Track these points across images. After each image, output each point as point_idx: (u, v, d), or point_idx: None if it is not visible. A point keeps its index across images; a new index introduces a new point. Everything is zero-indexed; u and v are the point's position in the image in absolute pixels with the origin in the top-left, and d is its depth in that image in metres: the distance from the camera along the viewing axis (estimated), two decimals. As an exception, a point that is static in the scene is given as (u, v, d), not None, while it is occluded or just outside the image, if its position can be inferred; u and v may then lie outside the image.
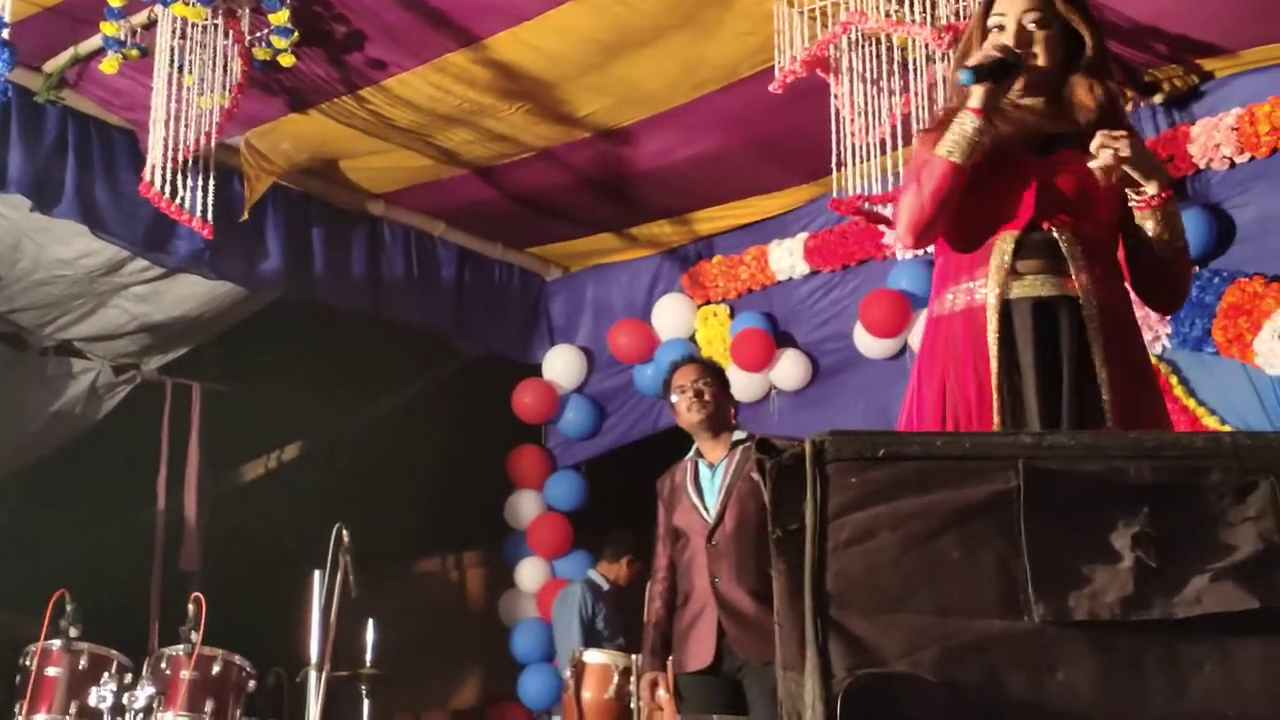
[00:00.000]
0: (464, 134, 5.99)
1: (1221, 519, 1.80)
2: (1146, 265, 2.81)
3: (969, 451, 1.90)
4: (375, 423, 8.41)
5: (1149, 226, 2.74)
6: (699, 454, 4.76)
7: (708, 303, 7.05)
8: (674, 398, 4.79)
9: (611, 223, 7.05)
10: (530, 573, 7.29)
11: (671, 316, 7.07)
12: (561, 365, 7.40)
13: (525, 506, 7.39)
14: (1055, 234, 2.72)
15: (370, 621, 5.45)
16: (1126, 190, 2.72)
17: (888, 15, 4.98)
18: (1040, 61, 2.78)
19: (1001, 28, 2.80)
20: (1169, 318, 5.48)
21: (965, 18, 4.87)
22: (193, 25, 4.83)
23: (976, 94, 2.71)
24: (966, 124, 2.70)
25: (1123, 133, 2.66)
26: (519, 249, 7.47)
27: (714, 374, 4.88)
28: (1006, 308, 2.70)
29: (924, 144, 2.84)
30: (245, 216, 5.91)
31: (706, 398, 4.73)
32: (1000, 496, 1.86)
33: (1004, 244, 2.72)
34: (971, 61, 2.74)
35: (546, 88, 5.66)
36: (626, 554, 6.59)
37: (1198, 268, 5.53)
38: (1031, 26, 2.77)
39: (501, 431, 7.47)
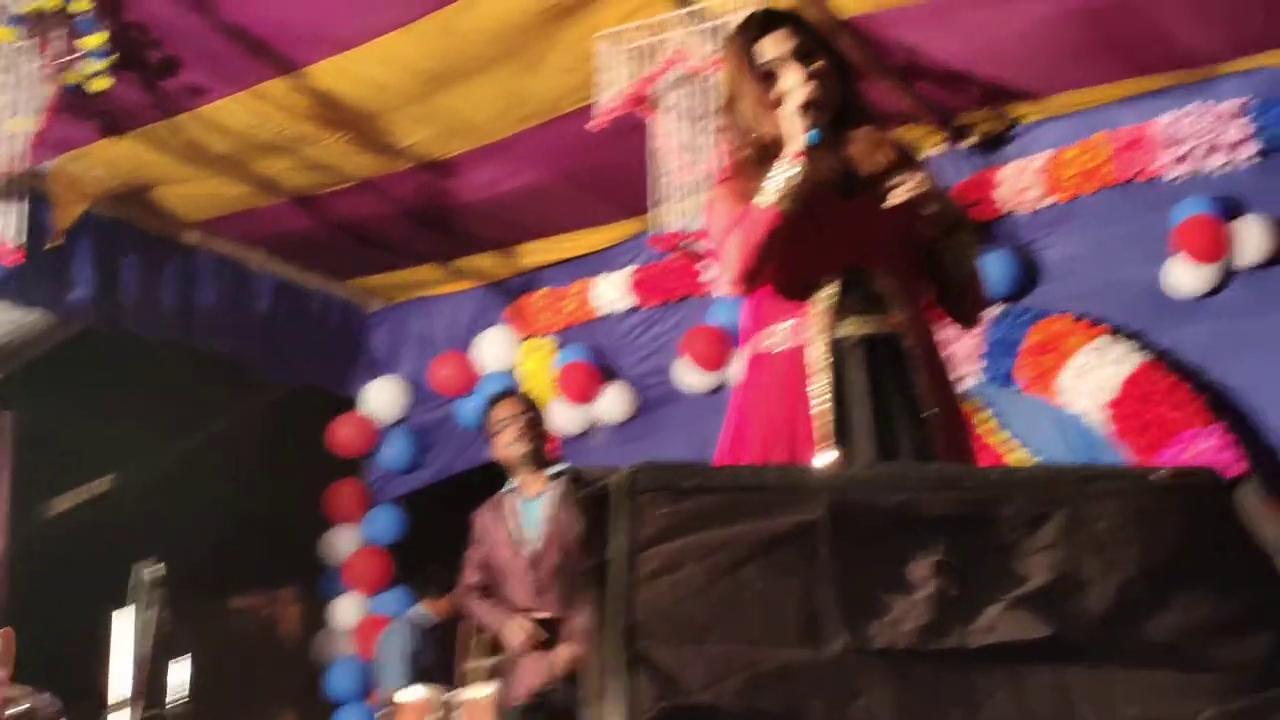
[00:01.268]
0: (284, 162, 5.89)
1: (1016, 549, 1.85)
2: (946, 290, 2.89)
3: (775, 483, 1.92)
4: (191, 455, 8.19)
5: (946, 257, 2.81)
6: (518, 488, 4.76)
7: (531, 336, 7.04)
8: (496, 431, 4.79)
9: (435, 254, 7.00)
10: (347, 609, 7.16)
11: (494, 350, 7.04)
12: (382, 398, 7.31)
13: (342, 541, 7.27)
14: (872, 274, 2.77)
15: (180, 659, 5.29)
16: (922, 225, 2.78)
17: (708, 55, 5.06)
18: (830, 98, 2.82)
19: (777, 72, 2.81)
20: (977, 355, 5.64)
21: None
22: (2, 46, 4.67)
23: (797, 141, 2.73)
24: (790, 171, 2.72)
25: (917, 169, 2.73)
26: (340, 280, 7.37)
27: (534, 408, 4.90)
28: (834, 347, 2.75)
29: (727, 192, 2.86)
30: (56, 243, 5.74)
31: (530, 431, 4.73)
32: (805, 527, 1.89)
33: (827, 285, 2.77)
34: (798, 108, 2.75)
35: (369, 117, 5.60)
36: (449, 592, 6.52)
37: (1006, 305, 5.72)
38: (815, 66, 2.81)
39: (320, 465, 7.34)
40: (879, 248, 2.80)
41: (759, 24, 2.90)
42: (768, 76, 2.83)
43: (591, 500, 1.94)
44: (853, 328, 2.74)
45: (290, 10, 4.84)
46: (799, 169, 2.71)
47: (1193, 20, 5.08)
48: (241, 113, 5.44)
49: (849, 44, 5.05)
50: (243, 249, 6.83)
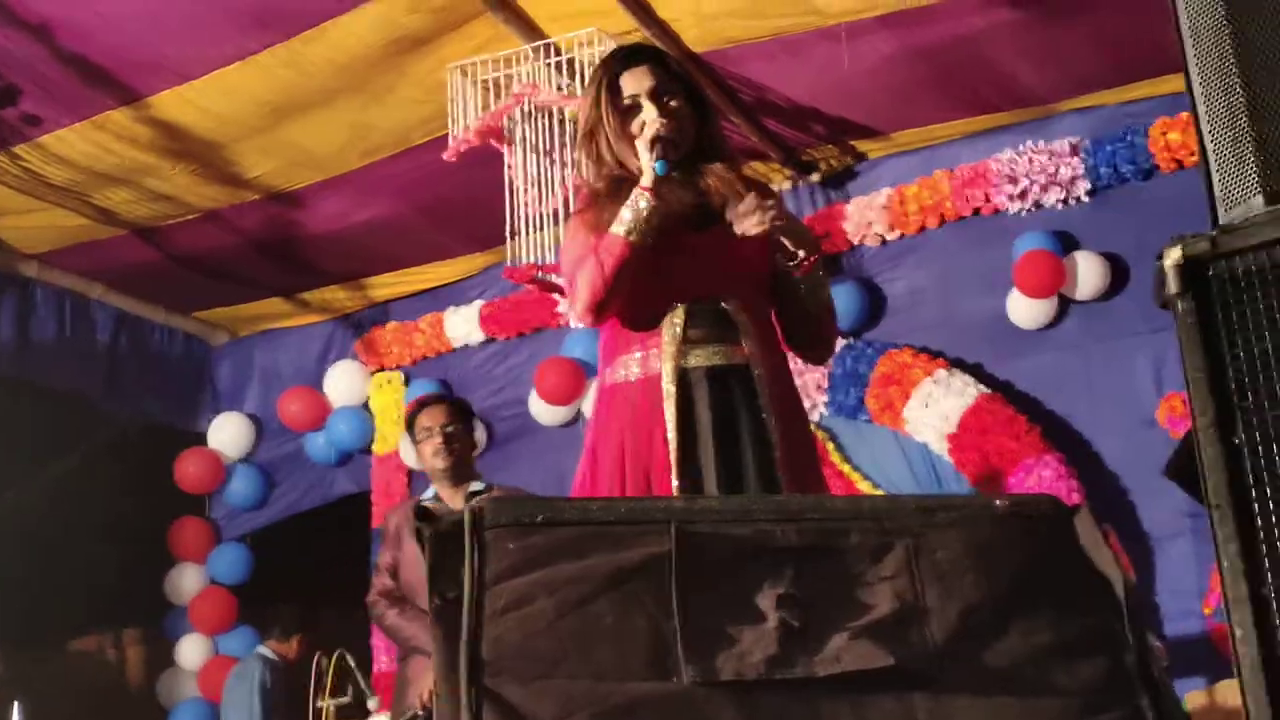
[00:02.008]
0: (125, 193, 5.76)
1: (860, 579, 1.87)
2: (798, 323, 2.93)
3: (624, 516, 1.92)
4: (30, 493, 7.93)
5: (800, 289, 2.85)
6: (437, 498, 4.64)
7: (381, 369, 6.97)
8: (419, 440, 4.66)
9: (282, 287, 6.90)
10: (191, 650, 6.99)
11: (344, 383, 6.95)
12: (228, 433, 7.16)
13: (187, 581, 7.09)
14: (723, 305, 2.80)
15: (15, 704, 5.11)
16: (778, 256, 2.82)
17: (559, 89, 5.08)
18: (684, 134, 2.87)
19: (639, 106, 2.86)
20: (826, 387, 5.73)
21: (636, 94, 5.01)
22: None
23: (648, 174, 2.77)
24: (640, 204, 2.75)
25: (772, 201, 2.77)
26: (183, 313, 7.21)
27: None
28: (683, 376, 2.77)
29: (581, 224, 2.88)
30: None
31: (455, 444, 4.62)
32: (654, 560, 1.89)
33: (676, 316, 2.79)
34: (646, 142, 2.78)
35: (213, 148, 5.51)
36: (297, 632, 6.40)
37: (853, 339, 5.82)
38: (672, 103, 2.86)
39: (164, 502, 7.16)
40: (730, 279, 2.83)
41: (622, 59, 2.94)
42: (628, 111, 2.87)
43: (439, 536, 1.92)
44: (702, 358, 2.77)
45: (132, 40, 4.75)
46: (649, 202, 2.74)
47: (1028, 62, 5.24)
48: (81, 143, 5.31)
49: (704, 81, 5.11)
50: (83, 281, 6.65)
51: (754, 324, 2.80)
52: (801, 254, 2.81)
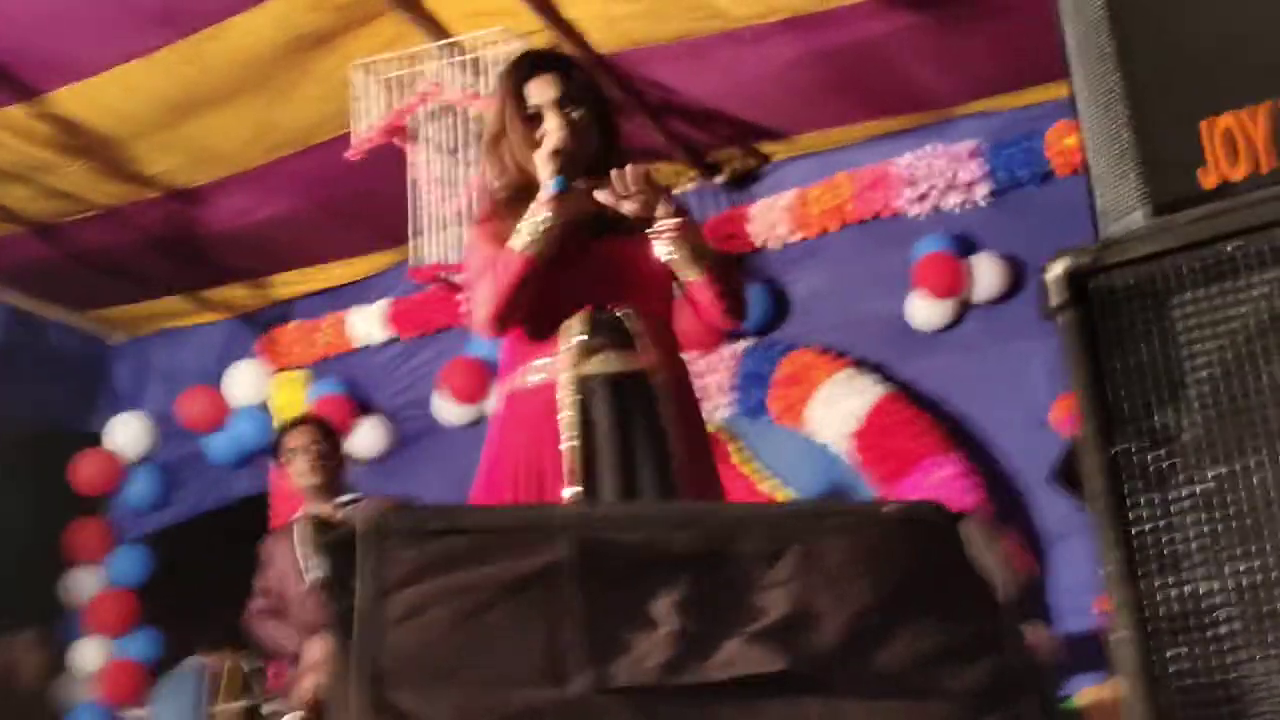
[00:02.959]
0: (20, 190, 5.65)
1: (755, 585, 1.90)
2: (699, 289, 2.91)
3: (521, 523, 1.94)
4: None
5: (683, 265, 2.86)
6: (308, 516, 4.69)
7: (284, 369, 6.90)
8: (286, 461, 4.70)
9: (182, 285, 6.80)
10: (89, 653, 6.88)
11: (245, 383, 6.86)
12: (126, 434, 7.04)
13: (84, 583, 6.98)
14: (621, 313, 2.82)
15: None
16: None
17: (464, 88, 5.08)
18: (586, 145, 2.88)
19: (542, 116, 2.87)
20: (730, 388, 5.77)
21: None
22: None
23: (545, 189, 2.78)
24: (538, 218, 2.77)
25: (674, 225, 2.78)
26: (80, 310, 7.08)
27: (330, 436, 4.81)
28: (581, 384, 2.78)
29: (483, 234, 2.89)
30: None
31: (323, 462, 4.66)
32: (551, 567, 1.90)
33: (574, 323, 2.81)
34: (546, 156, 2.80)
35: (113, 145, 5.43)
36: (227, 642, 6.32)
37: (757, 340, 5.86)
38: (576, 115, 2.87)
39: (59, 504, 7.03)
40: (629, 286, 2.86)
41: (529, 65, 2.95)
42: (532, 119, 2.88)
43: (336, 544, 1.92)
44: (600, 365, 2.79)
45: (29, 36, 4.67)
46: (548, 215, 2.75)
47: (928, 65, 5.31)
48: (-22, 139, 5.22)
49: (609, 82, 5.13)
50: (-23, 280, 6.53)
51: (653, 331, 2.83)
52: (693, 275, 2.83)
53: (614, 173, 2.75)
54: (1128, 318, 1.69)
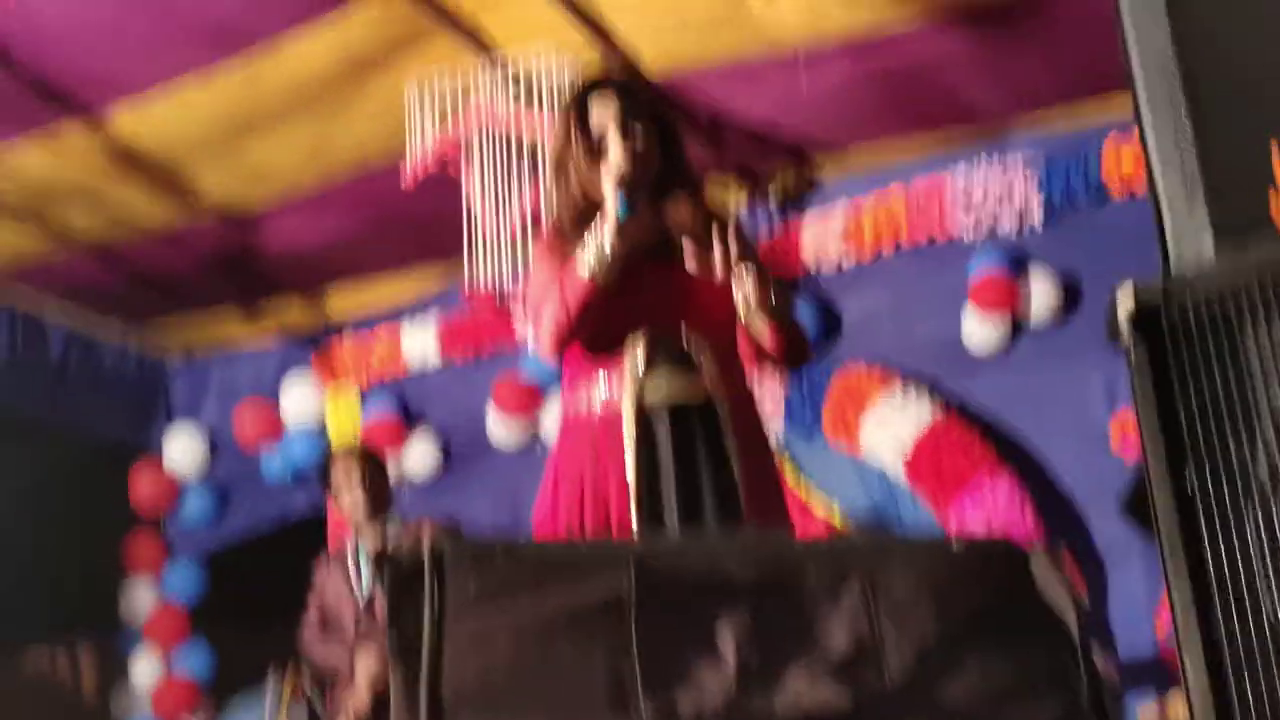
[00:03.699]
0: (77, 210, 5.72)
1: (818, 617, 1.89)
2: (765, 336, 2.93)
3: (583, 554, 1.94)
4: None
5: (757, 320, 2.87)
6: (357, 542, 4.74)
7: (338, 386, 6.93)
8: (334, 491, 4.74)
9: (238, 303, 6.86)
10: (145, 667, 6.94)
11: (300, 400, 6.90)
12: (183, 451, 7.10)
13: (141, 597, 7.04)
14: (684, 337, 2.82)
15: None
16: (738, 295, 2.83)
17: (515, 107, 5.09)
18: (649, 167, 2.88)
19: (605, 137, 2.88)
20: (782, 407, 5.75)
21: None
22: None
23: (611, 215, 2.78)
24: (604, 243, 2.78)
25: (753, 276, 2.76)
26: (138, 330, 7.15)
27: (377, 465, 4.84)
28: (643, 410, 2.78)
29: (547, 255, 2.90)
30: None
31: (372, 491, 4.70)
32: (613, 597, 1.90)
33: (637, 348, 2.81)
34: (612, 183, 2.81)
35: (168, 165, 5.48)
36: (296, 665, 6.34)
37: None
38: (638, 137, 2.87)
39: (118, 518, 7.10)
40: (692, 311, 2.85)
41: (592, 89, 2.97)
42: (596, 143, 2.89)
43: (397, 573, 1.92)
44: (662, 390, 2.78)
45: (87, 56, 4.72)
46: (613, 242, 2.75)
47: (982, 81, 5.28)
48: (32, 159, 5.27)
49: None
50: (34, 299, 6.59)
51: (716, 357, 2.81)
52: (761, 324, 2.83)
53: (715, 231, 2.74)
54: (1198, 350, 1.67)
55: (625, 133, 2.87)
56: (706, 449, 2.73)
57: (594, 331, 2.82)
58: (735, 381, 2.87)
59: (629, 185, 2.80)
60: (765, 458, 2.93)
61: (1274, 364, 1.64)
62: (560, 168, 2.94)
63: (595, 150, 2.88)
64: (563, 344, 2.83)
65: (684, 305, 2.84)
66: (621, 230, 2.78)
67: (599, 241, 2.77)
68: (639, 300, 2.83)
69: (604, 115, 2.89)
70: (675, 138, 3.00)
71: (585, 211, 2.88)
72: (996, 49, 4.99)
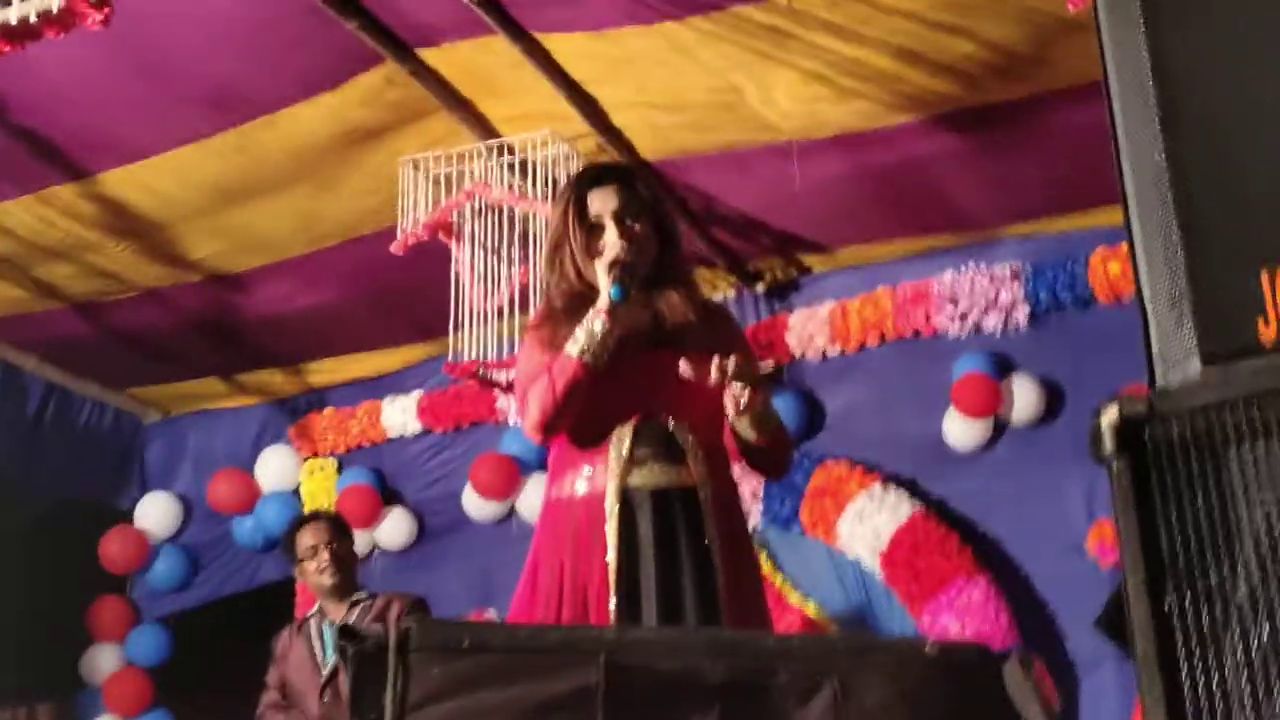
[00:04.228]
0: (66, 268, 5.70)
1: (788, 719, 1.87)
2: (752, 451, 2.93)
3: (552, 645, 1.91)
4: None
5: (743, 427, 2.86)
6: (322, 612, 4.68)
7: (315, 456, 6.89)
8: (301, 558, 4.68)
9: (219, 368, 6.82)
10: (105, 732, 6.83)
11: (276, 468, 6.86)
12: (155, 513, 7.03)
13: (103, 660, 6.94)
14: (670, 425, 2.81)
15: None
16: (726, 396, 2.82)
17: (510, 188, 5.11)
18: (644, 257, 2.89)
19: (603, 227, 2.90)
20: (761, 496, 5.73)
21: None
22: None
23: (604, 298, 2.80)
24: (595, 326, 2.79)
25: (750, 396, 2.75)
26: (117, 389, 7.11)
27: (343, 532, 4.79)
28: (626, 496, 2.77)
29: (536, 340, 2.91)
30: None
31: (338, 561, 4.64)
32: (581, 691, 1.87)
33: (622, 434, 2.81)
34: (605, 266, 2.82)
35: (159, 228, 5.47)
36: None
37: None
38: (636, 226, 2.89)
39: (84, 579, 7.01)
40: (681, 399, 2.85)
41: (591, 177, 3.00)
42: (592, 229, 2.90)
43: (362, 656, 1.89)
44: (646, 478, 2.78)
45: (83, 117, 4.72)
46: (604, 325, 2.77)
47: (974, 186, 5.33)
48: (24, 216, 5.26)
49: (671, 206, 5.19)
50: (15, 353, 6.55)
51: (702, 445, 2.81)
52: (752, 435, 2.82)
53: (715, 361, 2.73)
54: (1182, 469, 1.65)
55: (621, 221, 2.88)
56: (688, 538, 2.72)
57: (581, 415, 2.80)
58: (720, 472, 2.86)
59: (622, 270, 2.80)
60: (746, 550, 2.91)
61: (1257, 486, 1.62)
62: (556, 252, 2.95)
63: (591, 237, 2.89)
64: (549, 426, 2.82)
65: (674, 393, 2.83)
66: (613, 314, 2.78)
67: (590, 325, 2.78)
68: (628, 386, 2.83)
69: (603, 203, 2.91)
70: (671, 230, 3.02)
71: (578, 297, 2.88)
72: (990, 153, 5.03)
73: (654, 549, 2.71)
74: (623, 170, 3.19)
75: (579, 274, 2.91)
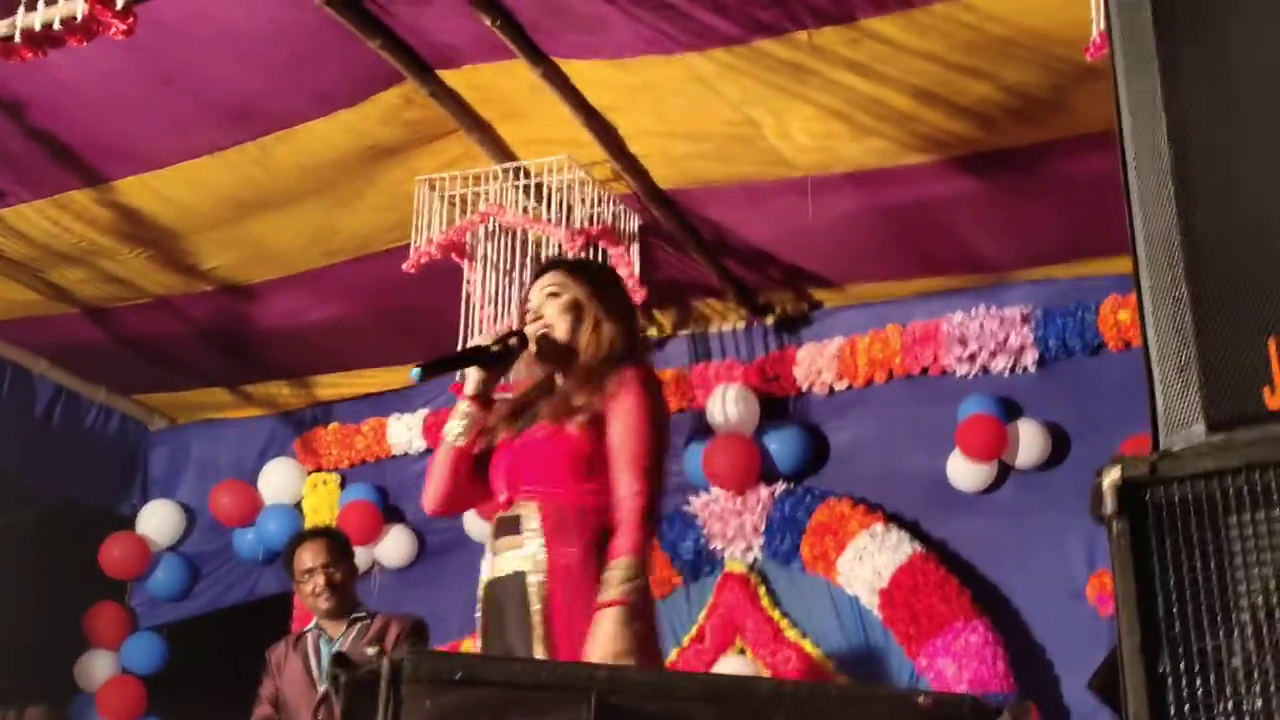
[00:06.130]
0: (79, 273, 5.71)
1: (777, 766, 1.86)
2: None
3: (544, 681, 1.90)
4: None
5: None
6: (319, 627, 4.67)
7: (318, 470, 6.89)
8: (299, 579, 4.67)
9: (226, 378, 6.82)
10: (97, 739, 6.81)
11: (279, 480, 6.85)
12: (157, 520, 7.02)
13: (98, 667, 6.92)
14: (520, 509, 2.91)
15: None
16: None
17: (525, 211, 5.12)
18: (557, 334, 3.02)
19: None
20: (762, 530, 5.71)
21: (599, 222, 5.07)
22: None
23: (470, 381, 3.00)
24: (461, 408, 3.00)
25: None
26: (123, 394, 7.11)
27: (342, 552, 4.76)
28: (489, 589, 2.96)
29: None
30: None
31: (333, 587, 4.62)
32: (572, 728, 1.86)
33: (490, 524, 3.01)
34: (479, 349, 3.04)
35: (173, 236, 5.48)
36: None
37: (793, 485, 5.81)
38: (547, 303, 3.05)
39: (83, 585, 7.00)
40: (535, 477, 2.94)
41: (546, 266, 3.22)
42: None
43: (354, 685, 1.89)
44: (501, 565, 2.94)
45: (101, 124, 4.74)
46: (464, 406, 2.98)
47: (987, 229, 5.33)
48: (40, 220, 5.27)
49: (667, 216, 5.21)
50: (26, 355, 6.56)
51: (552, 522, 2.89)
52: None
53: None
54: (1182, 533, 1.65)
55: (536, 310, 3.04)
56: (517, 621, 2.87)
57: (473, 496, 3.03)
58: (568, 545, 2.89)
59: (442, 362, 3.05)
60: (586, 620, 2.83)
61: (1256, 554, 1.62)
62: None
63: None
64: (432, 504, 3.04)
65: (532, 471, 2.94)
66: (478, 398, 2.97)
67: (458, 408, 2.99)
68: (502, 468, 2.97)
69: (539, 288, 3.09)
70: (621, 314, 3.11)
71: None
72: (1004, 196, 5.03)
73: (491, 637, 2.93)
74: (564, 261, 3.48)
75: None
